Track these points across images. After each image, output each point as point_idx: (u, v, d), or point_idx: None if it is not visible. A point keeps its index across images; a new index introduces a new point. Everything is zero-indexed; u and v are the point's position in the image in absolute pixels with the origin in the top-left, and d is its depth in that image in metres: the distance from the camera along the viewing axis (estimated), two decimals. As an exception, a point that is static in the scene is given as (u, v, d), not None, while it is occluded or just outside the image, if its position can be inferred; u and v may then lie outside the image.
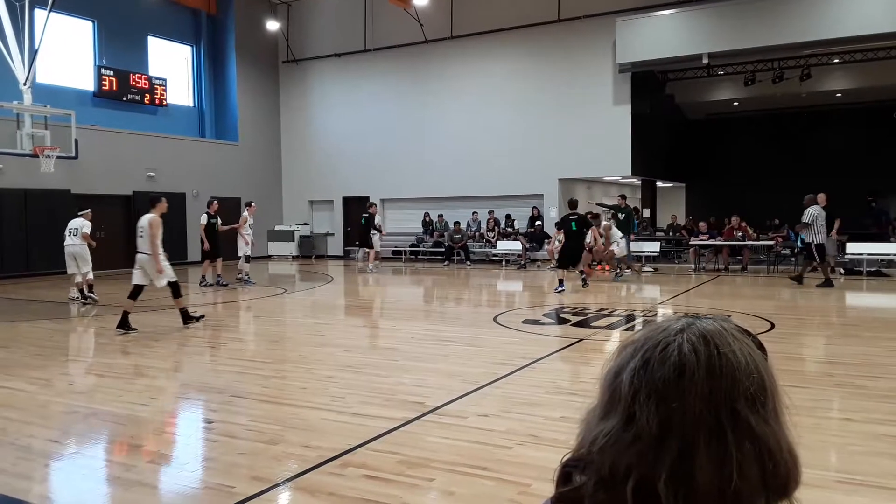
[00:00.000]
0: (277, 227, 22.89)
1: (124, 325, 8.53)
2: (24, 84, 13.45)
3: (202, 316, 9.33)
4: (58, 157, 13.52)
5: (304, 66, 23.28)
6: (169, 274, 8.71)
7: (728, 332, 0.78)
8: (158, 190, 19.19)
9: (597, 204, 17.84)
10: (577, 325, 8.84)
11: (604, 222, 15.04)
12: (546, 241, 18.25)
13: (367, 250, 17.64)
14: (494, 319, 9.35)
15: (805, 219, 12.69)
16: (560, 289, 12.30)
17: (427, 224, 21.29)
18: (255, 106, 22.88)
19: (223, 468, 4.01)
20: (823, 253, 12.72)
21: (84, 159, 15.01)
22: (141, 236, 8.67)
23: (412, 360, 6.86)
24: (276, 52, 23.63)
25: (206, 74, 22.24)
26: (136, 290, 8.70)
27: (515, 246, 18.77)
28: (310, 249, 22.89)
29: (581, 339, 7.76)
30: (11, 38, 13.45)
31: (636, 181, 22.27)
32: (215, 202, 14.37)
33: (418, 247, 21.06)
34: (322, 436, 4.47)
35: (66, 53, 17.85)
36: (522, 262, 18.06)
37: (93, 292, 11.70)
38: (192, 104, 22.11)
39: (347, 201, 23.03)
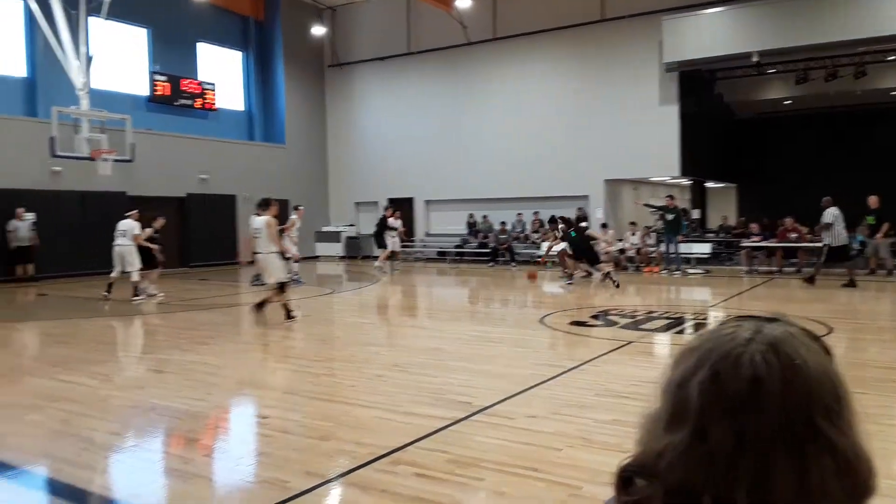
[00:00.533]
0: (324, 229, 23.22)
1: (289, 315, 9.11)
2: (81, 90, 13.94)
3: (294, 316, 9.43)
4: (114, 161, 13.97)
5: (349, 69, 23.57)
6: (282, 271, 9.23)
7: (797, 337, 0.75)
8: (210, 192, 19.73)
9: (644, 205, 17.58)
10: (625, 327, 8.73)
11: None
12: (592, 242, 18.06)
13: (382, 250, 17.75)
14: (541, 321, 9.31)
15: (826, 219, 12.56)
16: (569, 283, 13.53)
17: (472, 225, 21.31)
18: (301, 109, 23.27)
19: (277, 463, 4.10)
20: (847, 254, 12.77)
21: (139, 162, 15.47)
22: (257, 237, 9.11)
23: (459, 360, 6.88)
24: (321, 56, 23.99)
25: (255, 79, 22.71)
26: (281, 286, 9.15)
27: (561, 247, 18.59)
28: (356, 250, 23.14)
29: (630, 342, 7.66)
30: (69, 45, 13.95)
31: (685, 182, 21.88)
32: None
33: (463, 248, 21.09)
34: (373, 433, 4.52)
35: (122, 60, 18.44)
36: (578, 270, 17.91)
37: (138, 293, 12.09)
38: (241, 108, 22.61)
39: (393, 202, 23.18)
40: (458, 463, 3.90)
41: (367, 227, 23.39)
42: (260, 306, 9.16)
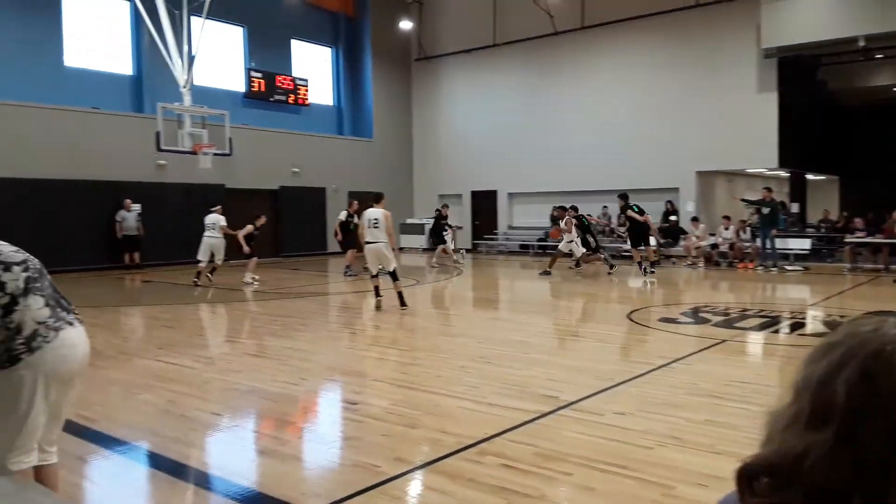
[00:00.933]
0: (409, 221, 23.56)
1: (402, 302, 9.66)
2: (184, 87, 14.71)
3: (405, 305, 9.81)
4: (214, 154, 14.69)
5: (435, 62, 23.76)
6: (394, 260, 9.75)
7: None
8: (301, 185, 20.39)
9: (740, 200, 16.88)
10: (718, 325, 8.43)
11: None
12: (682, 236, 17.52)
13: (441, 246, 17.93)
14: (628, 316, 9.13)
15: None
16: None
17: (555, 219, 21.03)
18: (388, 103, 23.66)
19: (368, 448, 4.23)
20: None
21: (236, 156, 16.18)
22: (376, 227, 9.56)
23: (544, 353, 6.85)
24: (408, 50, 24.30)
25: (344, 74, 23.27)
26: (394, 274, 9.67)
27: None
28: (439, 242, 23.33)
29: (723, 341, 7.40)
30: (172, 44, 14.74)
31: (783, 174, 20.82)
32: (355, 202, 15.09)
33: (546, 241, 20.89)
34: (458, 423, 4.59)
35: (220, 57, 19.32)
36: (656, 258, 17.42)
37: (210, 277, 13.21)
38: (331, 103, 23.23)
39: (476, 195, 23.29)
40: (545, 456, 3.90)
41: (451, 219, 23.57)
42: (400, 299, 9.67)
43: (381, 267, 9.72)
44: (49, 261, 3.27)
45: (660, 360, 6.36)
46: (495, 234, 22.67)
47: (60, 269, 11.89)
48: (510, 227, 22.84)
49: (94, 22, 17.09)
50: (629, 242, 14.99)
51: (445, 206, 18.72)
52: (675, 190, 18.88)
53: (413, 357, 6.92)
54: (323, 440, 4.60)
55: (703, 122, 18.25)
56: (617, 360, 6.52)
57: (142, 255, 16.26)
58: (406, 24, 23.10)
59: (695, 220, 16.97)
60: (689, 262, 16.62)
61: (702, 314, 9.34)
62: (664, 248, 17.61)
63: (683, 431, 4.34)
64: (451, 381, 5.80)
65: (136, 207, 16.24)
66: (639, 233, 14.45)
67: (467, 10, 22.70)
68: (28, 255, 2.91)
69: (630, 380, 5.71)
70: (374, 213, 9.67)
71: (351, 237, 14.84)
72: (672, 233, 17.81)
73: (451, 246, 17.85)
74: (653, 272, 13.89)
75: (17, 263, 2.81)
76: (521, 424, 4.51)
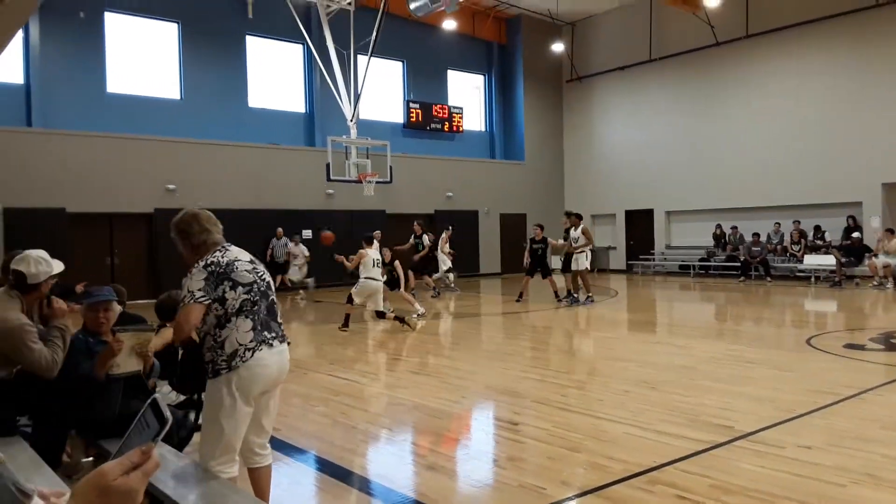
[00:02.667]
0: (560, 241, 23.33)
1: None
2: (351, 121, 15.75)
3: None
4: (376, 182, 15.54)
5: (587, 82, 23.53)
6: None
7: None
8: (454, 208, 20.95)
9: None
10: (916, 353, 7.53)
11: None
12: (866, 255, 15.86)
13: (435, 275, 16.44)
14: (808, 342, 8.41)
15: None
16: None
17: (718, 237, 19.94)
18: (539, 125, 23.75)
19: (532, 469, 4.23)
20: None
21: (395, 183, 16.99)
22: (379, 266, 10.55)
23: (713, 380, 6.49)
24: (559, 72, 24.29)
25: (496, 100, 23.71)
26: (382, 313, 10.47)
27: (827, 260, 16.61)
28: (593, 263, 22.88)
29: (924, 371, 6.61)
30: (341, 82, 15.87)
31: None
32: (419, 223, 15.87)
33: (709, 261, 19.81)
34: (624, 449, 4.47)
35: (382, 91, 20.45)
36: (837, 279, 15.92)
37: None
38: (483, 128, 23.73)
39: (630, 214, 22.63)
40: (724, 489, 3.69)
41: (604, 240, 23.09)
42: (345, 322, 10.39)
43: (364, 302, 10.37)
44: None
45: (847, 391, 5.80)
46: (651, 253, 21.85)
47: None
48: (667, 247, 21.91)
49: (272, 66, 18.81)
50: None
51: (418, 222, 16.11)
52: (858, 204, 17.21)
53: (572, 380, 6.83)
54: (486, 458, 4.67)
55: (890, 130, 16.52)
56: (798, 389, 6.02)
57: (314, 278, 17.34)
58: (558, 47, 23.14)
59: (890, 231, 15.20)
60: (876, 283, 14.99)
61: (894, 340, 8.40)
62: (846, 267, 16.03)
63: (880, 468, 3.94)
64: (613, 406, 5.66)
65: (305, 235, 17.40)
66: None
67: (622, 27, 22.30)
68: (260, 275, 3.26)
69: (814, 411, 5.26)
70: (376, 253, 10.53)
71: (423, 259, 15.38)
72: (855, 251, 16.18)
73: (441, 272, 16.38)
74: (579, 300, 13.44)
75: (244, 285, 3.17)
76: (694, 454, 4.31)
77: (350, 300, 10.48)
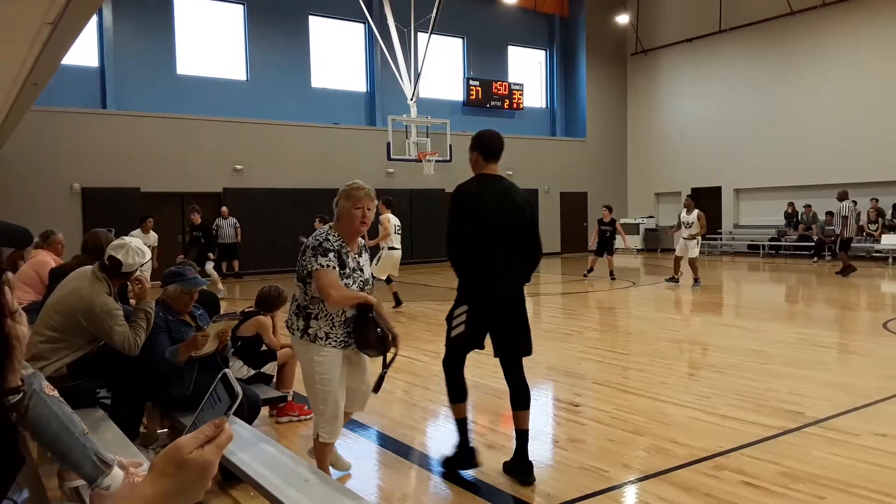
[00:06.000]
0: (622, 220, 22.89)
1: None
2: (411, 100, 15.75)
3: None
4: (436, 161, 15.54)
5: (653, 56, 22.83)
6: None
7: None
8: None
9: None
10: None
11: None
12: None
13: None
14: (884, 326, 8.03)
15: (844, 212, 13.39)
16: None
17: (790, 216, 19.18)
18: (602, 101, 23.23)
19: (593, 451, 4.21)
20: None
21: (455, 162, 16.94)
22: (399, 233, 10.26)
23: (783, 364, 6.28)
24: (624, 46, 23.64)
25: (558, 75, 23.28)
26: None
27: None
28: (655, 243, 22.43)
29: None
30: (401, 60, 15.86)
31: None
32: (606, 210, 14.39)
33: (780, 240, 19.09)
34: (689, 434, 4.39)
35: (441, 69, 20.36)
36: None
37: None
38: (544, 105, 23.37)
39: (696, 192, 21.95)
40: (793, 477, 3.59)
41: (668, 218, 22.52)
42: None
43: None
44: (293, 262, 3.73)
45: (930, 379, 5.52)
46: (719, 233, 21.20)
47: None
48: (735, 226, 21.20)
49: (335, 45, 18.98)
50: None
51: (321, 218, 11.59)
52: (945, 180, 16.22)
53: (635, 362, 6.73)
54: (547, 439, 4.66)
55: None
56: (874, 374, 5.76)
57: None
58: (623, 19, 22.49)
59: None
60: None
61: (985, 327, 7.93)
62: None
63: (966, 463, 3.74)
64: (677, 389, 5.56)
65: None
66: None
67: (689, -2, 21.50)
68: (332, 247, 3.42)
69: (891, 397, 5.04)
70: (688, 216, 10.87)
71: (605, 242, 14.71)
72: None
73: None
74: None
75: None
76: (762, 440, 4.20)
77: (388, 280, 9.96)
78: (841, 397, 5.07)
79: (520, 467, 3.79)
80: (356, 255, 3.56)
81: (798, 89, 19.04)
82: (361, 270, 3.58)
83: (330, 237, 3.43)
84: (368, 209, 3.45)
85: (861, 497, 3.34)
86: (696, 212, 12.54)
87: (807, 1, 18.47)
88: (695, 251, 12.67)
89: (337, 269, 3.36)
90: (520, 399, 3.90)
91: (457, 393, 3.97)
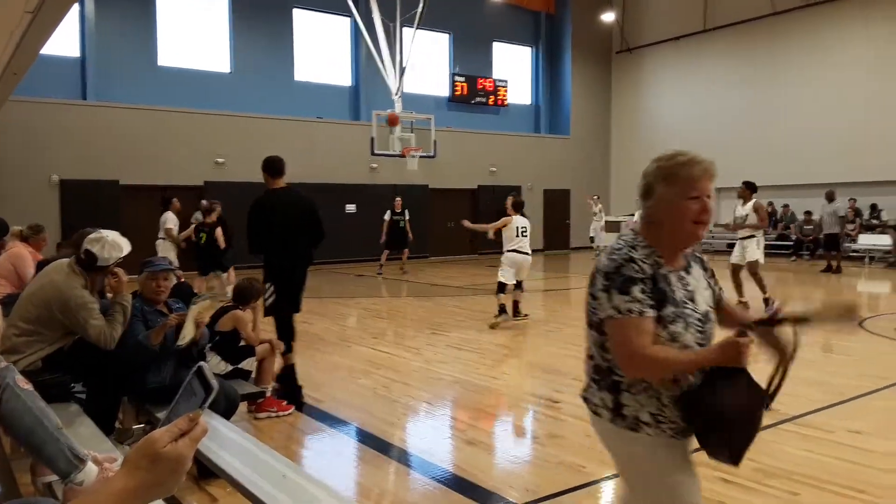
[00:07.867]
0: (606, 218, 23.02)
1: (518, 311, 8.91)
2: (395, 94, 15.68)
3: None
4: (420, 157, 15.49)
5: (638, 54, 22.95)
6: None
7: None
8: (498, 183, 20.81)
9: None
10: (978, 339, 7.23)
11: None
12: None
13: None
14: (860, 324, 8.15)
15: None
16: None
17: (770, 215, 19.37)
18: (586, 99, 23.31)
19: (572, 447, 4.23)
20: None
21: (439, 158, 16.92)
22: (525, 236, 8.94)
23: (760, 362, 6.34)
24: (609, 44, 23.73)
25: (543, 73, 23.32)
26: (521, 284, 8.96)
27: (883, 240, 16.04)
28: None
29: None
30: (386, 55, 15.78)
31: None
32: (399, 199, 15.24)
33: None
34: (667, 430, 4.42)
35: (427, 64, 20.31)
36: (893, 260, 15.35)
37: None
38: (529, 102, 23.41)
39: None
40: (767, 473, 3.64)
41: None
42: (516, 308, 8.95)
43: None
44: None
45: (903, 377, 5.62)
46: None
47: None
48: (716, 225, 21.38)
49: (319, 39, 18.86)
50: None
51: (213, 203, 11.40)
52: (921, 182, 16.47)
53: (615, 358, 6.77)
54: (526, 435, 4.69)
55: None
56: (850, 372, 5.85)
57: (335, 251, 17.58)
58: (608, 17, 22.57)
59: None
60: None
61: (957, 326, 8.07)
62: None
63: (936, 459, 3.81)
64: (656, 386, 5.60)
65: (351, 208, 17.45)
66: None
67: (674, -3, 21.63)
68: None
69: (865, 395, 5.13)
70: (524, 221, 8.82)
71: (397, 236, 14.87)
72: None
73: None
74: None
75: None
76: (737, 436, 4.24)
77: (501, 288, 8.67)
78: (816, 394, 5.14)
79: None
80: (682, 273, 2.07)
81: (780, 90, 19.22)
82: (693, 300, 2.05)
83: (636, 255, 1.98)
84: (708, 197, 2.02)
85: (834, 493, 3.39)
86: (751, 202, 9.87)
87: (789, 1, 18.65)
88: (755, 254, 9.71)
89: (652, 313, 1.92)
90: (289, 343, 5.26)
91: (290, 345, 5.24)
